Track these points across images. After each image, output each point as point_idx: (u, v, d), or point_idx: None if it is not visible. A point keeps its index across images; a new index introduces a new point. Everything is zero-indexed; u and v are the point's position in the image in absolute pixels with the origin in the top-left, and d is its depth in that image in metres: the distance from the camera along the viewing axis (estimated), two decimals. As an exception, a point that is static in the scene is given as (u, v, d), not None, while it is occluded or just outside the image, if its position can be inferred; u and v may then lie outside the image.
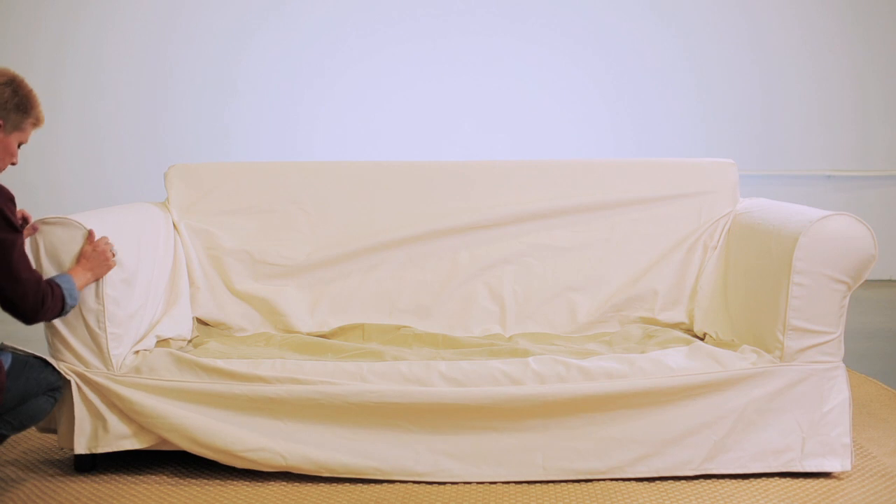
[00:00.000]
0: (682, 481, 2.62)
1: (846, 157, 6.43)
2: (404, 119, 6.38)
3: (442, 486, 2.58)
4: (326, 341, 2.96)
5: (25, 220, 2.60)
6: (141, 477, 2.68)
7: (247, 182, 3.29)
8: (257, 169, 3.35)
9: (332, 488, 2.58)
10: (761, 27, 6.37)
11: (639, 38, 6.38)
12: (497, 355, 2.73)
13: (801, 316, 2.60)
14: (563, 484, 2.60)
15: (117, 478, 2.67)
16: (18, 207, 2.44)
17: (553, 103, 6.40)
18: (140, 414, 2.61)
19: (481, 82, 6.37)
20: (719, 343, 2.85)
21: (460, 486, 2.59)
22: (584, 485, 2.60)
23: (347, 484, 2.60)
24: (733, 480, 2.63)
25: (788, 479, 2.64)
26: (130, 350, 2.69)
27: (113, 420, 2.63)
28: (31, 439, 2.99)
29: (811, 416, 2.63)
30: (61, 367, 2.59)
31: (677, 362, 2.63)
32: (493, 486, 2.60)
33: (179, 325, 2.97)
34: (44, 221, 2.57)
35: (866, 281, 2.66)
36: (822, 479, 2.64)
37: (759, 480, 2.63)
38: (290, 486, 2.60)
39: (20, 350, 2.50)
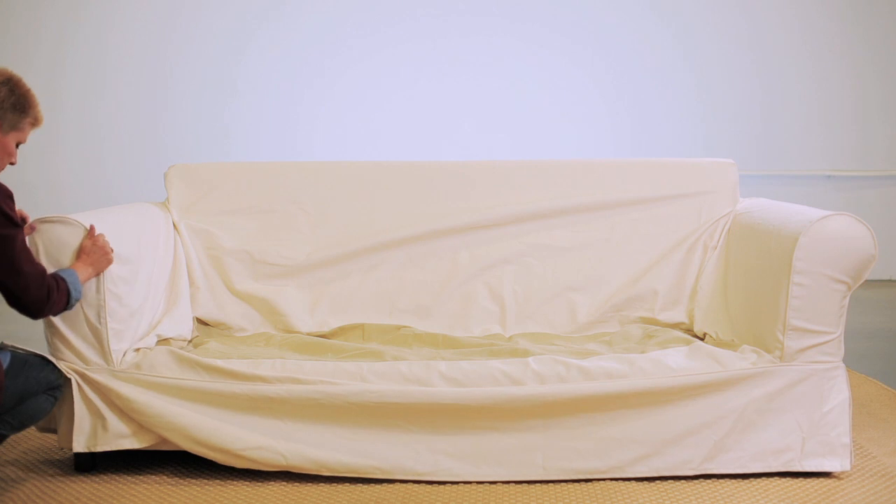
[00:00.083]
0: (682, 481, 2.62)
1: (846, 157, 6.43)
2: (404, 119, 6.38)
3: (442, 486, 2.58)
4: (326, 341, 2.96)
5: (24, 219, 2.60)
6: (141, 477, 2.68)
7: (247, 182, 3.29)
8: (257, 169, 3.35)
9: (332, 488, 2.58)
10: (761, 27, 6.37)
11: (639, 38, 6.38)
12: (497, 355, 2.73)
13: (801, 316, 2.60)
14: (563, 484, 2.60)
15: (117, 478, 2.67)
16: (17, 207, 2.43)
17: (553, 103, 6.40)
18: (139, 412, 2.61)
19: (481, 82, 6.38)
20: (719, 343, 2.85)
21: (460, 486, 2.59)
22: (584, 485, 2.60)
23: (347, 484, 2.60)
24: (733, 480, 2.63)
25: (788, 478, 2.64)
26: (131, 347, 2.69)
27: (112, 419, 2.63)
28: (31, 439, 2.99)
29: (811, 416, 2.63)
30: (61, 365, 2.59)
31: (677, 362, 2.63)
32: (493, 486, 2.60)
33: (179, 325, 2.97)
34: (42, 220, 2.57)
35: (866, 281, 2.66)
36: (822, 479, 2.64)
37: (759, 480, 2.63)
38: (290, 486, 2.60)
39: (20, 349, 2.50)
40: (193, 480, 2.65)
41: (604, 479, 2.62)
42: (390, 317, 3.18)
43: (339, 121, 6.40)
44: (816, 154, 6.43)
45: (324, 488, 2.58)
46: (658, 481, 2.62)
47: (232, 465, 2.62)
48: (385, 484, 2.60)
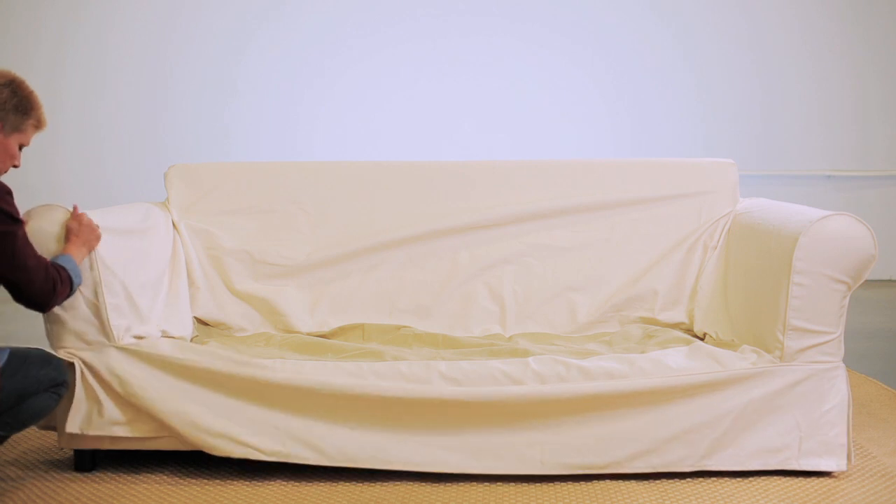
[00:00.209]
0: (681, 480, 2.62)
1: (846, 157, 6.44)
2: (404, 119, 6.39)
3: (442, 486, 2.58)
4: (326, 341, 2.96)
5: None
6: (141, 477, 2.68)
7: (247, 182, 3.29)
8: (257, 169, 3.35)
9: (331, 488, 2.58)
10: (761, 27, 6.37)
11: (639, 38, 6.38)
12: (497, 355, 2.73)
13: (801, 316, 2.60)
14: (562, 483, 2.60)
15: (117, 478, 2.67)
16: (23, 207, 2.44)
17: (553, 103, 6.40)
18: (137, 396, 2.60)
19: (481, 82, 6.38)
20: (719, 343, 2.85)
21: (460, 486, 2.59)
22: (583, 484, 2.60)
23: (347, 483, 2.61)
24: (733, 480, 2.63)
25: (788, 478, 2.64)
26: (131, 329, 2.68)
27: (108, 405, 2.63)
28: (31, 439, 2.99)
29: (811, 415, 2.63)
30: (62, 353, 2.60)
31: (677, 362, 2.63)
32: (493, 485, 2.60)
33: (180, 325, 2.96)
34: (27, 214, 2.57)
35: (866, 281, 2.66)
36: (821, 479, 2.64)
37: (758, 480, 2.63)
38: (290, 485, 2.60)
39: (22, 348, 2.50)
40: (193, 480, 2.65)
41: (603, 478, 2.62)
42: (390, 317, 3.18)
43: (339, 121, 6.40)
44: (816, 154, 6.43)
45: (323, 488, 2.58)
46: (657, 480, 2.62)
47: (228, 453, 2.59)
48: (385, 483, 2.60)
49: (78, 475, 2.70)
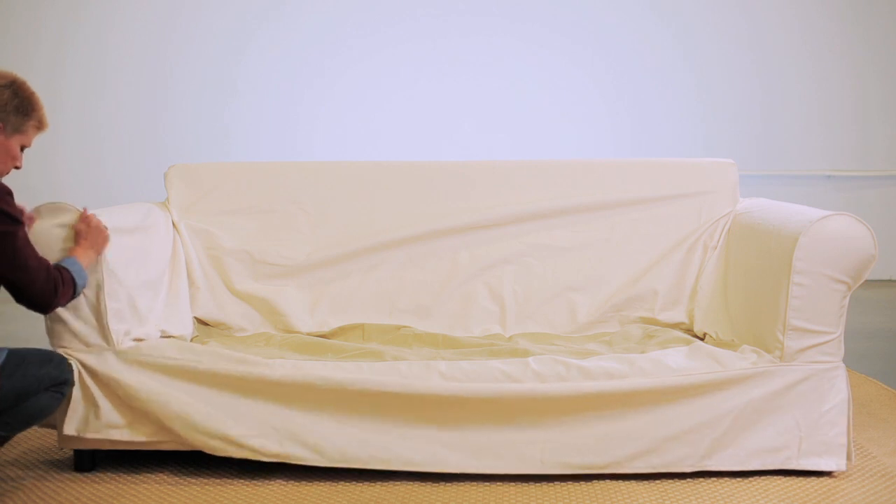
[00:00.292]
0: (681, 480, 2.62)
1: (846, 157, 6.44)
2: (404, 119, 6.39)
3: (442, 486, 2.58)
4: (326, 341, 2.96)
5: (21, 211, 2.61)
6: (141, 477, 2.68)
7: (247, 182, 3.29)
8: (257, 169, 3.35)
9: (331, 488, 2.58)
10: (761, 27, 6.37)
11: (639, 38, 6.38)
12: (497, 355, 2.73)
13: (801, 316, 2.60)
14: (562, 483, 2.60)
15: (117, 478, 2.67)
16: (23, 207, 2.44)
17: (553, 103, 6.40)
18: (137, 398, 2.60)
19: (481, 82, 6.38)
20: (719, 343, 2.85)
21: (460, 486, 2.59)
22: (583, 484, 2.60)
23: (347, 483, 2.61)
24: (733, 479, 2.63)
25: (788, 478, 2.64)
26: (131, 332, 2.68)
27: (106, 408, 2.63)
28: (31, 439, 2.99)
29: (810, 415, 2.63)
30: (61, 352, 2.59)
31: (677, 362, 2.63)
32: (493, 485, 2.60)
33: (180, 325, 2.96)
34: (37, 210, 2.57)
35: (866, 281, 2.66)
36: (821, 479, 2.64)
37: (758, 480, 2.63)
38: (289, 485, 2.60)
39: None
40: (193, 480, 2.65)
41: (603, 477, 2.62)
42: (390, 317, 3.18)
43: (339, 121, 6.40)
44: (816, 154, 6.43)
45: (323, 488, 2.58)
46: (657, 480, 2.62)
47: (229, 454, 2.60)
48: (385, 483, 2.60)
49: (78, 475, 2.70)
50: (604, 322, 3.17)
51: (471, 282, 3.22)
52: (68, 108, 6.31)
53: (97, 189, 6.30)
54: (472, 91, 6.37)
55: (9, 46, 6.29)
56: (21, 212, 2.56)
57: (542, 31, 6.35)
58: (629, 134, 6.41)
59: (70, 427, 2.63)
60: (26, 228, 2.54)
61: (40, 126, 2.47)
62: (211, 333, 3.09)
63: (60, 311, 2.58)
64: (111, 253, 2.62)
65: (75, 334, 2.62)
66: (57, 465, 2.78)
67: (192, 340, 2.99)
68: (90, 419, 2.63)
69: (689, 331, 3.11)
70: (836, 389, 2.64)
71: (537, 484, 2.61)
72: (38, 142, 2.56)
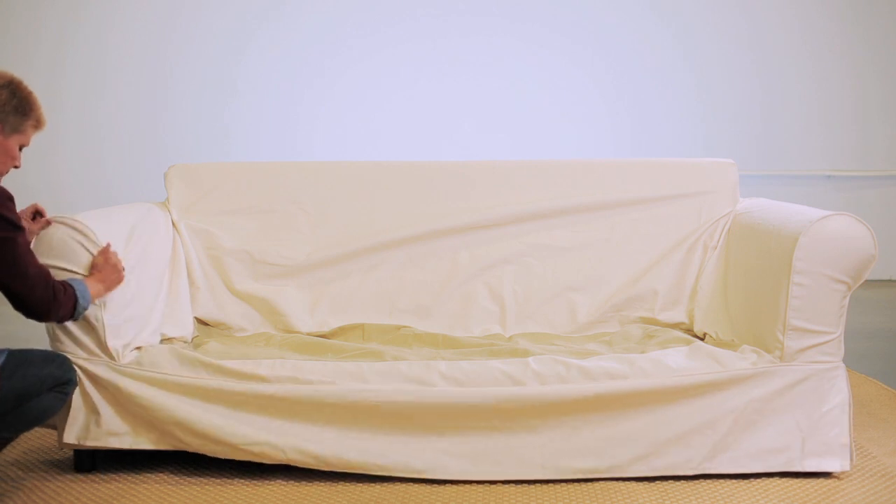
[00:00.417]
0: (682, 481, 2.62)
1: (846, 157, 6.43)
2: (404, 119, 6.38)
3: (441, 486, 2.58)
4: (326, 341, 2.96)
5: (39, 213, 2.61)
6: (141, 477, 2.68)
7: (247, 182, 3.29)
8: (257, 169, 3.35)
9: (331, 488, 2.58)
10: (761, 27, 6.37)
11: (639, 38, 6.38)
12: (497, 355, 2.73)
13: (801, 316, 2.60)
14: (562, 484, 2.60)
15: (117, 478, 2.67)
16: (23, 207, 2.43)
17: (553, 103, 6.40)
18: (141, 406, 2.61)
19: (481, 82, 6.37)
20: (719, 343, 2.85)
21: (460, 486, 2.59)
22: (583, 485, 2.60)
23: (347, 483, 2.60)
24: (733, 480, 2.63)
25: (788, 479, 2.64)
26: (131, 344, 2.68)
27: (107, 415, 2.63)
28: (31, 439, 2.99)
29: (811, 415, 2.63)
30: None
31: (677, 362, 2.63)
32: (493, 485, 2.60)
33: (180, 326, 2.97)
34: (58, 220, 2.57)
35: (866, 281, 2.66)
36: (822, 479, 2.64)
37: (759, 480, 2.63)
38: (289, 485, 2.60)
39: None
40: (193, 480, 2.65)
41: (603, 479, 2.62)
42: (390, 317, 3.18)
43: (339, 121, 6.40)
44: (816, 154, 6.43)
45: (323, 488, 2.58)
46: (658, 481, 2.62)
47: (232, 457, 2.62)
48: (384, 484, 2.60)
49: (78, 475, 2.69)
50: (604, 322, 3.17)
51: (471, 282, 3.22)
52: (68, 108, 6.31)
53: (97, 189, 6.30)
54: (472, 91, 6.37)
55: (9, 46, 6.29)
56: (38, 211, 2.58)
57: (542, 31, 6.35)
58: (629, 134, 6.41)
59: (70, 435, 2.63)
60: (38, 230, 2.55)
61: (38, 125, 2.46)
62: (211, 333, 3.09)
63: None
64: None
65: (76, 343, 2.62)
66: (57, 466, 2.78)
67: (192, 341, 2.99)
68: (91, 426, 2.63)
69: (689, 331, 3.11)
70: (837, 389, 2.63)
71: (537, 485, 2.61)
72: (38, 142, 2.56)
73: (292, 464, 2.61)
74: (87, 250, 2.56)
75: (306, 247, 3.24)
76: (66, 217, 2.59)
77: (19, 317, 2.41)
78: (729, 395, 2.61)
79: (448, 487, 2.58)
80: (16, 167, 2.46)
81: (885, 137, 6.42)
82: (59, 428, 2.65)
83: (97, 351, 2.62)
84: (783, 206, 2.97)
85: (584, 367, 2.59)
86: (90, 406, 2.63)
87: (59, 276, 2.49)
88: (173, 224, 3.16)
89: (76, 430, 2.63)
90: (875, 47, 6.36)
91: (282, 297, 3.17)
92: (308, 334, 3.10)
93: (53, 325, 2.60)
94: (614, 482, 2.61)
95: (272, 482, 2.62)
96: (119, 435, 2.63)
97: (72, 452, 2.77)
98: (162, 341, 2.83)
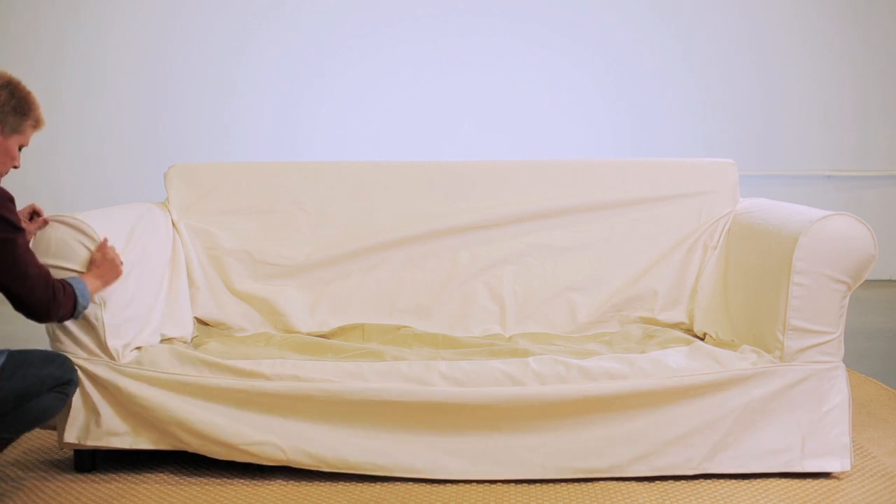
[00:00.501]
0: (682, 481, 2.62)
1: (846, 157, 6.43)
2: (404, 119, 6.38)
3: (441, 486, 2.58)
4: (326, 341, 2.96)
5: (37, 213, 2.61)
6: (141, 477, 2.68)
7: (247, 182, 3.29)
8: (257, 169, 3.35)
9: (331, 488, 2.58)
10: (761, 27, 6.37)
11: (639, 38, 6.38)
12: (497, 355, 2.73)
13: (801, 316, 2.60)
14: (562, 483, 2.60)
15: (117, 478, 2.67)
16: (21, 207, 2.43)
17: (553, 103, 6.40)
18: (141, 406, 2.61)
19: (481, 82, 6.37)
20: (719, 343, 2.85)
21: (460, 486, 2.59)
22: (583, 484, 2.60)
23: (347, 483, 2.60)
24: (733, 480, 2.63)
25: (788, 479, 2.64)
26: (131, 345, 2.68)
27: (107, 415, 2.63)
28: (31, 439, 2.99)
29: (811, 416, 2.63)
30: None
31: (677, 362, 2.63)
32: (493, 485, 2.60)
33: (180, 326, 2.97)
34: (55, 219, 2.57)
35: (866, 281, 2.66)
36: (821, 480, 2.64)
37: (758, 480, 2.63)
38: (290, 485, 2.60)
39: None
40: (193, 480, 2.65)
41: (603, 479, 2.62)
42: (390, 317, 3.18)
43: (339, 121, 6.40)
44: (816, 154, 6.43)
45: (324, 488, 2.58)
46: (658, 481, 2.62)
47: (232, 458, 2.62)
48: (384, 483, 2.60)
49: (78, 475, 2.69)
50: (604, 322, 3.17)
51: (471, 282, 3.22)
52: (68, 108, 6.31)
53: (97, 189, 6.30)
54: (472, 91, 6.37)
55: (9, 46, 6.29)
56: (35, 211, 2.58)
57: (542, 31, 6.35)
58: (629, 134, 6.41)
59: (70, 435, 2.63)
60: (36, 230, 2.55)
61: (37, 125, 2.46)
62: (211, 333, 3.09)
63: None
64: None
65: (76, 343, 2.62)
66: (57, 466, 2.78)
67: (192, 341, 2.99)
68: (91, 426, 2.63)
69: (689, 331, 3.11)
70: (837, 389, 2.63)
71: (537, 484, 2.61)
72: (38, 142, 2.56)
73: (293, 465, 2.61)
74: (87, 248, 2.56)
75: (306, 247, 3.23)
76: (64, 215, 2.59)
77: (19, 317, 2.41)
78: (729, 395, 2.61)
79: (448, 487, 2.58)
80: (15, 167, 2.46)
81: (885, 137, 6.42)
82: (59, 428, 2.64)
83: (97, 351, 2.62)
84: (783, 206, 2.97)
85: (584, 367, 2.59)
86: (90, 406, 2.63)
87: (58, 274, 2.49)
88: (173, 224, 3.16)
89: (76, 430, 2.63)
90: (875, 47, 6.36)
91: (282, 297, 3.17)
92: (308, 334, 3.09)
93: (53, 325, 2.60)
94: (614, 482, 2.61)
95: (272, 482, 2.62)
96: (119, 435, 2.63)
97: (72, 452, 2.77)
98: (162, 341, 2.83)
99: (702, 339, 2.99)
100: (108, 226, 2.65)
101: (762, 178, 6.36)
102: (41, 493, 2.58)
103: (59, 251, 2.55)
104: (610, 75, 6.39)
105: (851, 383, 2.87)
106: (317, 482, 2.61)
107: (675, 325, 3.14)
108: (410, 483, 2.60)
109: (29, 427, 2.45)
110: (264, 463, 2.61)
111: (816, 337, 2.61)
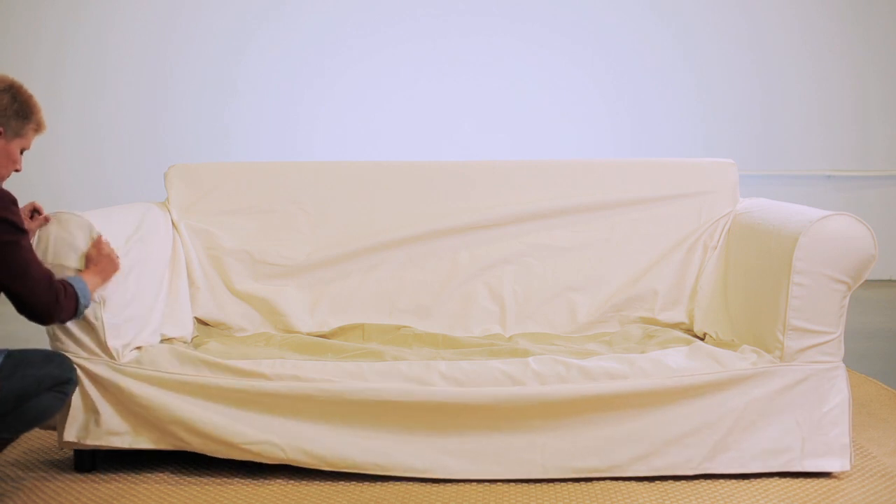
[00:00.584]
0: (682, 481, 2.62)
1: (846, 157, 6.44)
2: (404, 119, 6.39)
3: (441, 486, 2.58)
4: (326, 341, 2.96)
5: (37, 211, 2.61)
6: (141, 477, 2.68)
7: (247, 182, 3.29)
8: (257, 169, 3.35)
9: (331, 487, 2.58)
10: (761, 27, 6.37)
11: (639, 38, 6.38)
12: (497, 355, 2.73)
13: (801, 316, 2.60)
14: (562, 483, 2.60)
15: (117, 478, 2.67)
16: (31, 200, 2.43)
17: (553, 103, 6.40)
18: (141, 405, 2.61)
19: (481, 82, 6.38)
20: (719, 343, 2.85)
21: (460, 486, 2.59)
22: (583, 484, 2.60)
23: (347, 483, 2.61)
24: (733, 480, 2.63)
25: (788, 479, 2.64)
26: (131, 344, 2.68)
27: (107, 414, 2.63)
28: (31, 439, 2.99)
29: (811, 416, 2.63)
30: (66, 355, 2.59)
31: (677, 362, 2.63)
32: (493, 485, 2.60)
33: (180, 326, 2.97)
34: (56, 216, 2.57)
35: (866, 281, 2.66)
36: (822, 479, 2.64)
37: (759, 480, 2.63)
38: (290, 485, 2.60)
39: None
40: (193, 480, 2.65)
41: (603, 479, 2.62)
42: (390, 317, 3.18)
43: (339, 121, 6.40)
44: (816, 154, 6.43)
45: (324, 487, 2.58)
46: (658, 481, 2.62)
47: (232, 457, 2.62)
48: (384, 483, 2.60)
49: (78, 475, 2.69)
50: (604, 322, 3.17)
51: (471, 282, 3.22)
52: (68, 109, 6.31)
53: (97, 189, 6.30)
54: (472, 91, 6.37)
55: (9, 46, 6.29)
56: (36, 209, 2.58)
57: (542, 31, 6.35)
58: (629, 134, 6.41)
59: (70, 434, 2.63)
60: (37, 227, 2.55)
61: (39, 128, 2.46)
62: (211, 333, 3.09)
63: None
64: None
65: (76, 343, 2.62)
66: (57, 466, 2.78)
67: (192, 341, 2.99)
68: (90, 426, 2.63)
69: (689, 331, 3.11)
70: (837, 389, 2.63)
71: (538, 484, 2.61)
72: (38, 142, 2.56)
73: (292, 463, 2.61)
74: (85, 243, 2.55)
75: (306, 247, 3.24)
76: (63, 213, 2.59)
77: (19, 317, 2.41)
78: (729, 395, 2.61)
79: (448, 487, 2.58)
80: (17, 171, 2.46)
81: (885, 137, 6.42)
82: (59, 427, 2.64)
83: (97, 350, 2.62)
84: (783, 206, 2.97)
85: (584, 367, 2.59)
86: (90, 405, 2.63)
87: (58, 272, 2.49)
88: (173, 224, 3.16)
89: (76, 430, 2.63)
90: (875, 47, 6.36)
91: (282, 297, 3.17)
92: (308, 334, 3.09)
93: (55, 325, 2.60)
94: (614, 482, 2.61)
95: (272, 482, 2.62)
96: (119, 434, 2.64)
97: (72, 452, 2.77)
98: (162, 341, 2.83)
99: (702, 339, 2.99)
100: (109, 225, 2.65)
101: (762, 178, 6.36)
102: (41, 493, 2.58)
103: (58, 250, 2.55)
104: (610, 75, 6.39)
105: (851, 383, 2.87)
106: (317, 482, 2.61)
107: (675, 325, 3.14)
108: (410, 483, 2.60)
109: (28, 427, 2.45)
110: (264, 462, 2.61)
111: (816, 337, 2.61)
